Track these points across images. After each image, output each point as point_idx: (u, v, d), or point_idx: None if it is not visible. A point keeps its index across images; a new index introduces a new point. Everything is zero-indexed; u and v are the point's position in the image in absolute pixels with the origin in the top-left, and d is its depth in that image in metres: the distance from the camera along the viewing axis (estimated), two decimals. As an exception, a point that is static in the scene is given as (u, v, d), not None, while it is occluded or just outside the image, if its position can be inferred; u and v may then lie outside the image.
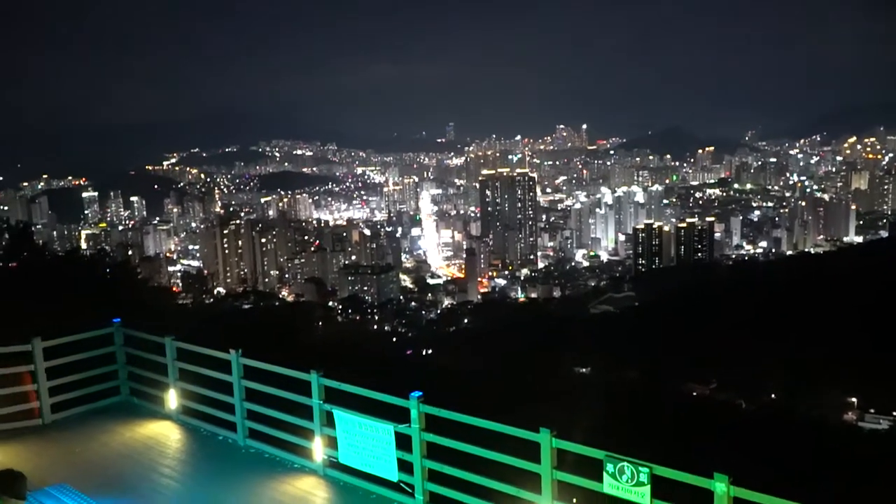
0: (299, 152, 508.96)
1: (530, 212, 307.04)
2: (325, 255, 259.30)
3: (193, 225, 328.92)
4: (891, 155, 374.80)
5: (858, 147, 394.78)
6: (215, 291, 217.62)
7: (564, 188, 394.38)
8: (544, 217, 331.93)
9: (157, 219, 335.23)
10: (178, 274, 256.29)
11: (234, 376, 16.62)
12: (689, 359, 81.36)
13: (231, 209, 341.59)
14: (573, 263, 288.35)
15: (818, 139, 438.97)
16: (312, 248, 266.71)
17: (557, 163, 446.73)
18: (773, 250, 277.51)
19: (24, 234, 37.89)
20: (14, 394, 18.33)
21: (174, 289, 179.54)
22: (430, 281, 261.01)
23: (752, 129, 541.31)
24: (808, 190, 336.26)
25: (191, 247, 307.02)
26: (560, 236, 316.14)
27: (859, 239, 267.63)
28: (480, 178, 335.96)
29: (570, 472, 11.57)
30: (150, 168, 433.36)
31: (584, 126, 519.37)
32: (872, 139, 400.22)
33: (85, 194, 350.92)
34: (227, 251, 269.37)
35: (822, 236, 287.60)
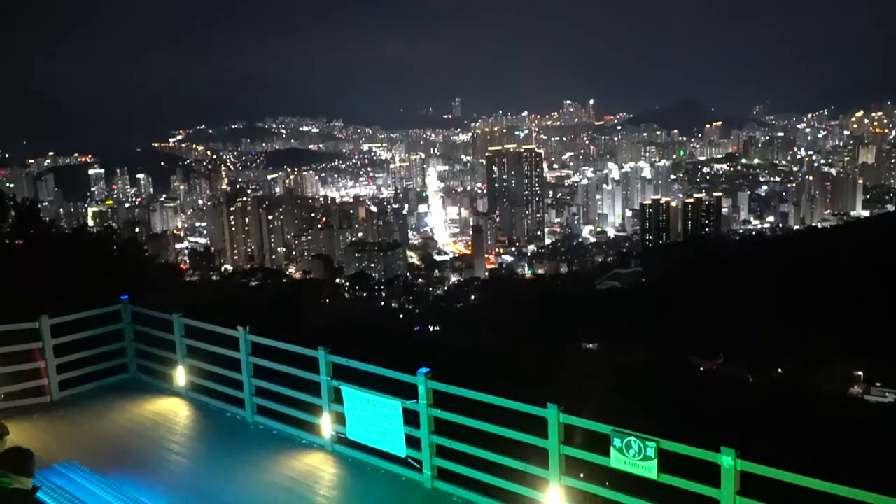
0: (305, 129, 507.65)
1: (537, 188, 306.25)
2: (332, 233, 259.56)
3: (200, 202, 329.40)
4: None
5: (866, 121, 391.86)
6: (223, 269, 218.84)
7: (571, 164, 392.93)
8: (551, 193, 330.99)
9: (164, 196, 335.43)
10: (186, 251, 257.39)
11: (243, 353, 16.65)
12: (696, 334, 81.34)
13: (238, 186, 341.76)
14: (580, 239, 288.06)
15: (826, 113, 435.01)
16: (319, 226, 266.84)
17: (564, 138, 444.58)
18: (781, 225, 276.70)
19: (30, 211, 37.95)
20: (22, 371, 18.39)
21: (182, 266, 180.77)
22: (437, 258, 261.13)
23: (759, 103, 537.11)
24: (815, 164, 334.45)
25: (198, 224, 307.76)
26: (567, 212, 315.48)
27: (866, 213, 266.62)
28: (487, 154, 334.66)
29: (577, 448, 11.58)
30: (157, 145, 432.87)
31: (591, 101, 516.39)
32: (880, 113, 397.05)
33: (91, 171, 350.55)
34: (234, 228, 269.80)
35: (829, 211, 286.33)
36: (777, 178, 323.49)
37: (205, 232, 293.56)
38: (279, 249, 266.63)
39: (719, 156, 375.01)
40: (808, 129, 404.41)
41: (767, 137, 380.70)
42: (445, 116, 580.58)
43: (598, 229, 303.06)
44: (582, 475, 11.78)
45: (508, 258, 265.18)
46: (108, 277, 24.99)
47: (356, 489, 13.91)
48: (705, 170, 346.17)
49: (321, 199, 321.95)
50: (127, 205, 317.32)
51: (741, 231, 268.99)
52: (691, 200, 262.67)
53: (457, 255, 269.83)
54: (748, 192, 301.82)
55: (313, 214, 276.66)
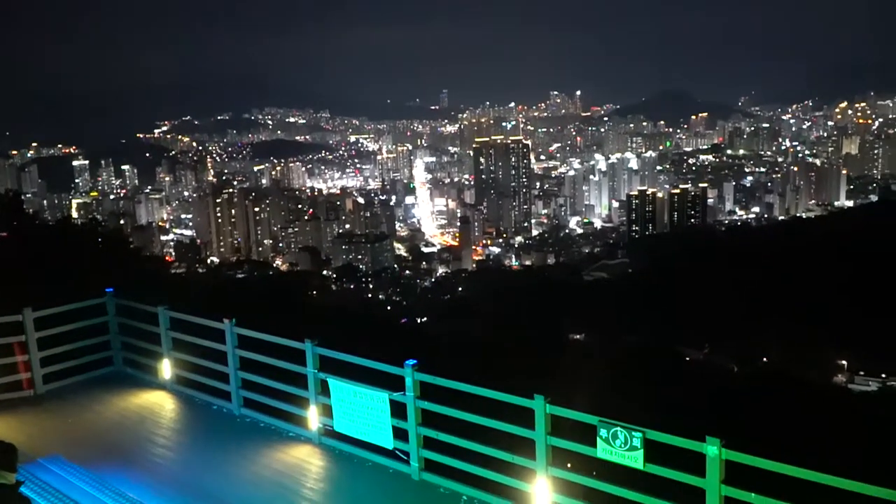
0: (292, 120, 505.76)
1: (524, 179, 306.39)
2: (319, 224, 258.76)
3: (186, 194, 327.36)
4: (881, 120, 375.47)
5: (850, 112, 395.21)
6: (209, 261, 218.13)
7: (558, 155, 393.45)
8: (538, 184, 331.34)
9: (149, 187, 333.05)
10: (171, 243, 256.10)
11: (229, 345, 16.57)
12: (682, 324, 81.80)
13: (224, 178, 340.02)
14: (567, 230, 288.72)
15: (810, 104, 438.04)
16: (306, 217, 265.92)
17: (551, 130, 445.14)
18: (766, 215, 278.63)
19: (14, 203, 37.50)
20: (5, 365, 18.23)
21: (167, 258, 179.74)
22: (425, 249, 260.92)
23: (745, 94, 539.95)
24: (800, 155, 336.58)
25: (183, 216, 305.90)
26: (554, 203, 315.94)
27: (850, 203, 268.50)
28: (474, 146, 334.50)
29: (564, 438, 11.62)
30: (142, 136, 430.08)
31: (578, 92, 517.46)
32: (863, 104, 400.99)
33: (76, 163, 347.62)
34: (220, 220, 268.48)
35: (813, 201, 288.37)
36: (762, 169, 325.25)
37: (191, 224, 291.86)
38: (266, 241, 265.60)
39: (705, 147, 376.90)
40: (792, 120, 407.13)
41: (753, 128, 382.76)
42: (433, 108, 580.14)
43: (586, 220, 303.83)
44: (569, 465, 11.82)
45: (496, 249, 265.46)
46: (92, 270, 24.77)
47: (343, 481, 13.89)
48: (691, 161, 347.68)
49: (308, 190, 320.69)
50: (112, 196, 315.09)
51: (727, 221, 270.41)
52: (677, 191, 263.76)
53: (444, 247, 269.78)
54: (734, 183, 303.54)
55: (300, 206, 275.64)
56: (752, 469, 9.81)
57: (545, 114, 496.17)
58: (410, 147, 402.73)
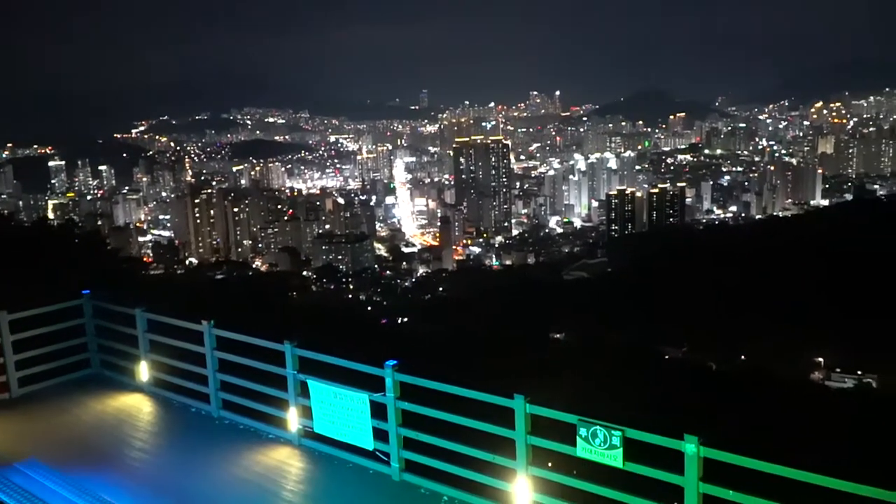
0: (271, 120, 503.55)
1: (504, 179, 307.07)
2: (299, 225, 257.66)
3: (164, 194, 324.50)
4: (855, 119, 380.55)
5: (825, 112, 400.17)
6: (187, 262, 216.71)
7: (538, 155, 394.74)
8: (518, 184, 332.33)
9: (127, 188, 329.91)
10: (149, 244, 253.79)
11: (207, 347, 16.46)
12: (661, 322, 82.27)
13: (202, 178, 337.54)
14: (547, 230, 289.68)
15: (786, 104, 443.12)
16: (286, 218, 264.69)
17: (531, 130, 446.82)
18: (743, 214, 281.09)
19: (-12, 205, 37.04)
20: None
21: (145, 259, 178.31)
22: (405, 249, 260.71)
23: (722, 94, 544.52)
24: (776, 154, 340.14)
25: (161, 216, 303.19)
26: (534, 203, 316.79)
27: (825, 202, 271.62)
28: (454, 146, 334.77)
29: (544, 438, 11.65)
30: (119, 136, 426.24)
31: (558, 93, 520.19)
32: (838, 104, 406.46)
33: (52, 163, 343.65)
34: (198, 221, 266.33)
35: (789, 200, 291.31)
36: (739, 169, 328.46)
37: (169, 224, 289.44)
38: (245, 242, 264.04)
39: (683, 146, 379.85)
40: (769, 120, 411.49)
41: (730, 128, 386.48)
42: (413, 107, 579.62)
43: (565, 220, 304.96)
44: (550, 465, 11.86)
45: (476, 249, 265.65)
46: (69, 271, 24.52)
47: (324, 483, 13.85)
48: (669, 160, 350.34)
49: (287, 190, 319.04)
50: (89, 197, 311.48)
51: (705, 220, 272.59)
52: (656, 191, 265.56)
53: (425, 247, 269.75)
54: (711, 183, 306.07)
55: (280, 206, 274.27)
56: (731, 466, 9.90)
57: (525, 114, 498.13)
58: (390, 147, 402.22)
